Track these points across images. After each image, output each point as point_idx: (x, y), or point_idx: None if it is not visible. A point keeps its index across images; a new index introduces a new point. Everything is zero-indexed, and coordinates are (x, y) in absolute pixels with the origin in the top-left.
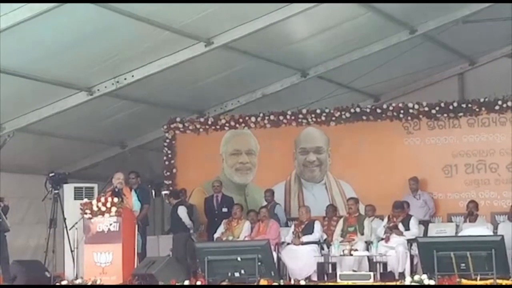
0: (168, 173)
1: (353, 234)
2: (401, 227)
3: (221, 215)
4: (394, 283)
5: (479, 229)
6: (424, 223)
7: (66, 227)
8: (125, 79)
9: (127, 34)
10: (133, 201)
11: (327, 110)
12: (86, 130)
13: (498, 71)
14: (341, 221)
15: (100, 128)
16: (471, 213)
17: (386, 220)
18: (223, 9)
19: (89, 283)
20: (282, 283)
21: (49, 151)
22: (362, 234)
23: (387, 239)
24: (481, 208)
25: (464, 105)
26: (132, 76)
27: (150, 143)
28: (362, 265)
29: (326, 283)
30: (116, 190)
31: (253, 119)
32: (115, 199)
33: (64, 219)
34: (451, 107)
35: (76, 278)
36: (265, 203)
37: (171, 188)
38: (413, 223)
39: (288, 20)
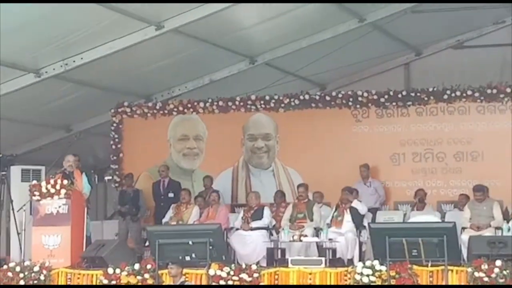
0: (115, 158)
1: (303, 220)
2: (347, 216)
3: (167, 200)
4: (345, 269)
5: (427, 217)
6: (372, 211)
7: (13, 209)
8: (73, 61)
9: (77, 16)
10: (83, 184)
11: (276, 97)
12: (32, 112)
13: (443, 61)
14: (290, 207)
15: (46, 111)
16: (418, 201)
17: (334, 209)
18: None
19: (37, 266)
20: (233, 268)
21: None
22: (311, 220)
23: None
24: (428, 196)
25: (412, 94)
26: (81, 58)
27: (95, 127)
28: (309, 251)
29: (278, 268)
30: (67, 172)
31: (201, 104)
32: (65, 181)
33: (11, 201)
34: (399, 96)
35: (24, 261)
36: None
37: (117, 173)
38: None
39: (239, 5)
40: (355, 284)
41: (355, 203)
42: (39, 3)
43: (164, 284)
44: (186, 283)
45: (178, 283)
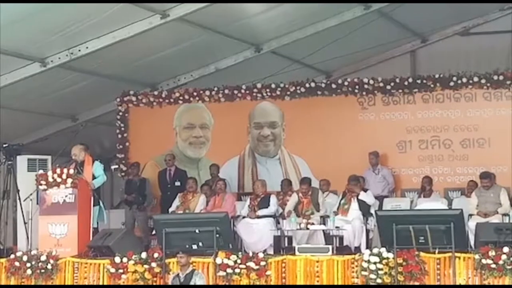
0: (121, 147)
1: (311, 215)
2: (355, 204)
3: (174, 188)
4: (352, 257)
5: (434, 204)
6: (379, 198)
7: (19, 199)
8: (79, 50)
9: (82, 5)
10: (92, 170)
11: (282, 85)
12: (38, 102)
13: (449, 48)
14: (294, 195)
15: (51, 101)
16: (425, 189)
17: (341, 196)
18: None
19: (44, 255)
20: (240, 256)
21: None
22: (318, 211)
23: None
24: (434, 184)
25: (419, 81)
26: (87, 47)
27: (101, 116)
28: (315, 238)
29: (285, 257)
30: (78, 161)
31: (207, 93)
32: (71, 171)
33: (18, 191)
34: (406, 83)
35: (31, 250)
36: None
37: (123, 162)
38: (369, 193)
39: None
40: (362, 271)
41: (362, 195)
42: None
43: (171, 272)
44: (195, 272)
45: (187, 272)
